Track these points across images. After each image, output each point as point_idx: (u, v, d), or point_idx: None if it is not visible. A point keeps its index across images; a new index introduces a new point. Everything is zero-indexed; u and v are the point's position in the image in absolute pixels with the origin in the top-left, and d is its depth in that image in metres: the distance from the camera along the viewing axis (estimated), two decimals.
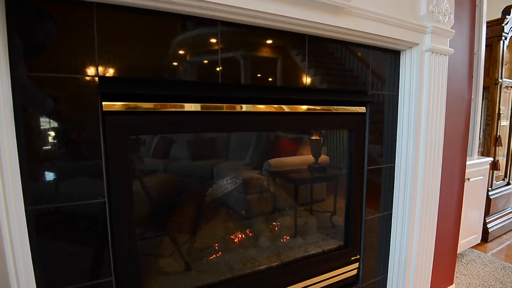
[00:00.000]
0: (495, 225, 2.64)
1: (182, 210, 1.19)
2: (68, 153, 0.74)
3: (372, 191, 1.26)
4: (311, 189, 1.50)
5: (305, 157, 1.41)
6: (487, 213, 2.55)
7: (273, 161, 1.35)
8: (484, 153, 2.65)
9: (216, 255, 1.17)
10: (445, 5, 1.20)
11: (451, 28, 1.25)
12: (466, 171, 1.76)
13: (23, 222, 0.71)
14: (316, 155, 1.44)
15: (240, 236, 1.28)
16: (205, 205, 1.24)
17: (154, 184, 1.06)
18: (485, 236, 2.53)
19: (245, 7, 0.79)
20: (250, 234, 1.30)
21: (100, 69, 0.74)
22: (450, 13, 1.22)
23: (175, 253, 1.11)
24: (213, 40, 0.85)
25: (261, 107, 0.96)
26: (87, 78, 0.73)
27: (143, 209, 1.03)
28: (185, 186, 1.20)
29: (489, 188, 2.57)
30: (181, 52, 0.82)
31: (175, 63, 0.82)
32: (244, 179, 1.30)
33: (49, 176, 0.73)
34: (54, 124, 0.72)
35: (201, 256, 1.16)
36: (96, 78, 0.74)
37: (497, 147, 2.62)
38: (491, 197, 2.58)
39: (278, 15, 0.84)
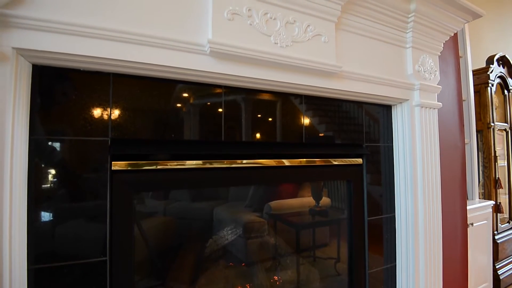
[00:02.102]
0: (506, 271, 2.53)
1: (180, 257, 1.16)
2: (75, 212, 0.76)
3: (374, 242, 1.26)
4: (313, 234, 1.47)
5: (306, 199, 1.41)
6: (496, 258, 2.46)
7: (274, 203, 1.35)
8: (485, 195, 2.64)
9: None
10: (430, 64, 1.31)
11: (438, 84, 1.35)
12: (468, 216, 1.75)
13: (24, 282, 0.71)
14: (317, 198, 1.44)
15: None
16: (205, 254, 1.22)
17: (152, 227, 1.06)
18: (497, 283, 2.41)
19: (247, 76, 0.88)
20: None
21: (112, 131, 0.80)
22: (435, 70, 1.33)
23: None
24: (218, 102, 0.93)
25: (263, 162, 1.00)
26: (100, 140, 0.79)
27: (140, 256, 1.02)
28: (183, 230, 1.19)
29: (495, 232, 2.51)
30: (188, 113, 0.89)
31: (182, 124, 0.88)
32: (245, 223, 1.29)
33: (54, 234, 0.74)
34: (64, 185, 0.76)
35: None
36: (109, 140, 0.79)
37: (497, 189, 2.62)
38: (498, 242, 2.51)
39: (277, 81, 0.93)
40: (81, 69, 0.77)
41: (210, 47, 0.80)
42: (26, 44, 0.68)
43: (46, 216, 0.73)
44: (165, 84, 0.86)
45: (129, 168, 0.83)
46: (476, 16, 1.33)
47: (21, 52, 0.69)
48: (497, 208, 2.55)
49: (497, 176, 2.64)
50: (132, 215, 0.83)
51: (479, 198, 2.51)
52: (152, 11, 0.77)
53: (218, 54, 0.82)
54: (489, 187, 2.63)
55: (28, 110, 0.73)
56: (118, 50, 0.74)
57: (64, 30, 0.69)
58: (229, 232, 1.26)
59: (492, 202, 2.40)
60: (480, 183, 2.65)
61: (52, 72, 0.75)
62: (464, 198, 1.66)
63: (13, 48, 0.67)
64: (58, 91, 0.77)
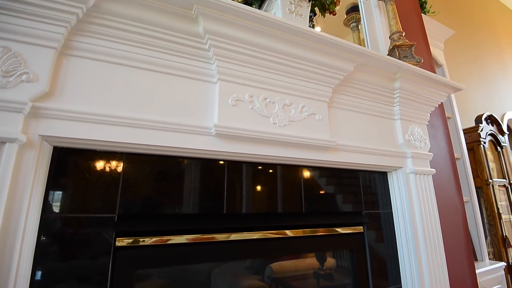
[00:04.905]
0: None
1: None
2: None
3: None
4: None
5: (310, 261, 1.37)
6: None
7: (276, 265, 1.31)
8: (496, 255, 2.54)
9: None
10: (419, 133, 1.40)
11: (429, 149, 1.43)
12: (479, 280, 1.67)
13: None
14: (321, 260, 1.40)
15: None
16: None
17: None
18: None
19: (249, 152, 0.95)
20: None
21: (119, 208, 0.84)
22: (425, 138, 1.42)
23: None
24: (221, 176, 0.98)
25: (265, 233, 1.02)
26: (108, 217, 0.82)
27: None
28: None
29: None
30: (192, 188, 0.94)
31: (186, 198, 0.93)
32: None
33: None
34: (67, 262, 0.77)
35: None
36: (115, 217, 0.83)
37: (507, 249, 2.53)
38: None
39: (277, 156, 1.00)
40: (97, 150, 0.85)
41: (215, 130, 0.88)
42: (52, 132, 0.75)
43: None
44: (172, 160, 0.92)
45: (131, 245, 0.84)
46: (456, 89, 1.47)
47: (45, 138, 0.76)
48: (510, 270, 2.43)
49: (504, 234, 2.58)
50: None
51: (489, 259, 2.41)
52: (164, 101, 0.88)
53: (222, 135, 0.91)
54: (498, 246, 2.55)
55: (43, 190, 0.77)
56: (133, 135, 0.82)
57: (85, 119, 0.78)
58: None
59: (503, 264, 2.30)
60: (488, 241, 2.57)
61: (70, 153, 0.82)
62: (471, 261, 1.61)
63: (40, 135, 0.75)
64: (73, 170, 0.83)
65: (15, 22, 0.72)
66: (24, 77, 0.73)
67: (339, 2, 1.12)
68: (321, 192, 1.17)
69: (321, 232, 1.13)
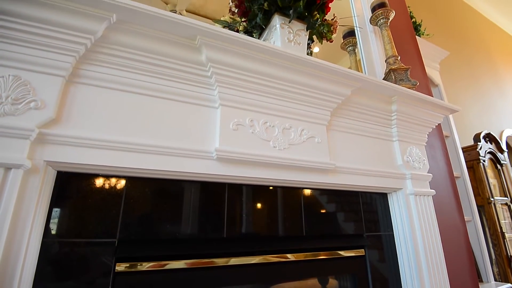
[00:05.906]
0: None
1: None
2: None
3: None
4: None
5: (311, 282, 1.34)
6: None
7: None
8: (501, 275, 2.49)
9: None
10: (417, 154, 1.42)
11: (428, 170, 1.43)
12: None
13: None
14: (323, 282, 1.37)
15: None
16: None
17: None
18: None
19: (250, 176, 0.96)
20: None
21: (120, 233, 0.84)
22: (424, 159, 1.43)
23: None
24: (221, 199, 0.99)
25: (267, 258, 1.01)
26: (108, 241, 0.82)
27: None
28: None
29: None
30: (192, 211, 0.94)
31: (186, 223, 0.93)
32: None
33: None
34: (67, 285, 0.76)
35: None
36: (116, 242, 0.83)
37: None
38: None
39: (277, 179, 1.01)
40: (100, 174, 0.86)
41: (217, 154, 0.90)
42: (57, 157, 0.77)
43: None
44: (173, 184, 0.93)
45: (128, 269, 0.84)
46: (452, 111, 1.50)
47: (50, 163, 0.78)
48: None
49: (509, 254, 2.53)
50: None
51: (495, 280, 2.35)
52: (167, 126, 0.90)
53: (224, 159, 0.92)
54: (503, 266, 2.50)
55: (46, 214, 0.78)
56: (136, 160, 0.83)
57: (90, 144, 0.79)
58: None
59: (509, 285, 2.25)
60: (493, 261, 2.52)
61: (73, 177, 0.83)
62: (475, 282, 1.58)
63: (45, 160, 0.77)
64: (76, 194, 0.84)
65: (27, 52, 0.76)
66: (32, 104, 0.75)
67: (335, 30, 1.18)
68: (321, 215, 1.17)
69: (322, 255, 1.12)
